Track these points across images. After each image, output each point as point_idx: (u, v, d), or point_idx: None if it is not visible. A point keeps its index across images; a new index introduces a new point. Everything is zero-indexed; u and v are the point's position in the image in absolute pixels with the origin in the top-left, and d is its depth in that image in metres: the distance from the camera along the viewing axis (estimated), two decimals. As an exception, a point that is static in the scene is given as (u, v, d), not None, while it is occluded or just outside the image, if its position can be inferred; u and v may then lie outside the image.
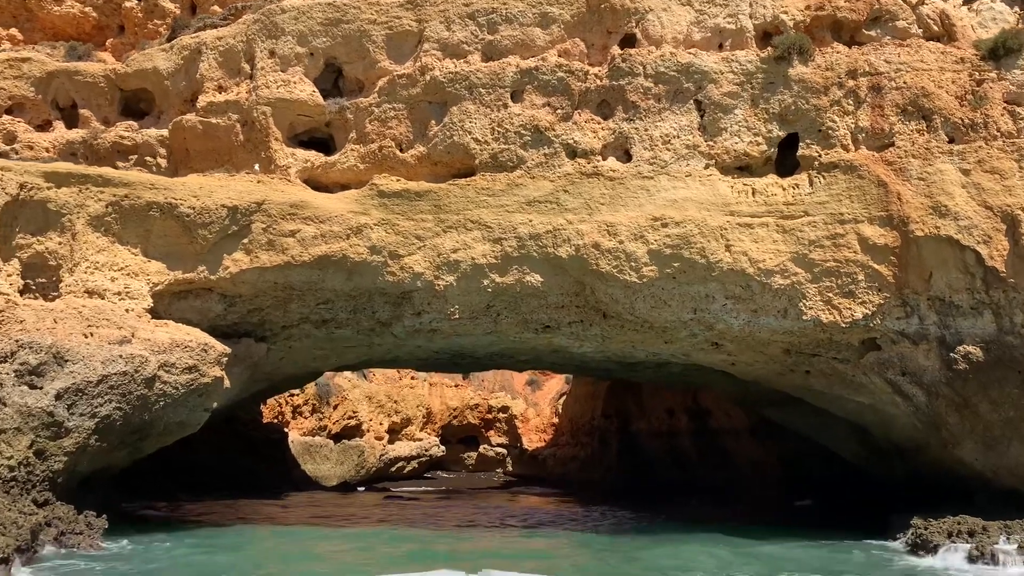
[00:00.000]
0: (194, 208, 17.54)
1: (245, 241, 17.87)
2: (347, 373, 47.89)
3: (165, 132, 20.73)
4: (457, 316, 18.40)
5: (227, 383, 18.49)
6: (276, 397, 43.49)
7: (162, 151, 20.91)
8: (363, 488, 40.70)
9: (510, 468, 52.21)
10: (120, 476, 30.47)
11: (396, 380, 49.64)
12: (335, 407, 46.25)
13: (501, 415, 52.20)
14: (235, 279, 17.99)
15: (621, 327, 18.33)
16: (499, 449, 52.46)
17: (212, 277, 17.91)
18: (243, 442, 39.43)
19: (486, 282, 17.88)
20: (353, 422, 46.42)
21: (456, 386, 52.83)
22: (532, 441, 51.17)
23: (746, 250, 17.06)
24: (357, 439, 46.34)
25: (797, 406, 22.94)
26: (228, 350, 17.55)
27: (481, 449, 52.87)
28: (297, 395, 44.70)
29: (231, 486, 36.42)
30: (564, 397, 50.12)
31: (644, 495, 39.30)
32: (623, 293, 17.50)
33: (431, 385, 51.71)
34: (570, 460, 46.74)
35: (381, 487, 41.56)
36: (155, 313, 17.79)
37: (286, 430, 42.73)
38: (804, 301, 17.09)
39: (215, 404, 18.09)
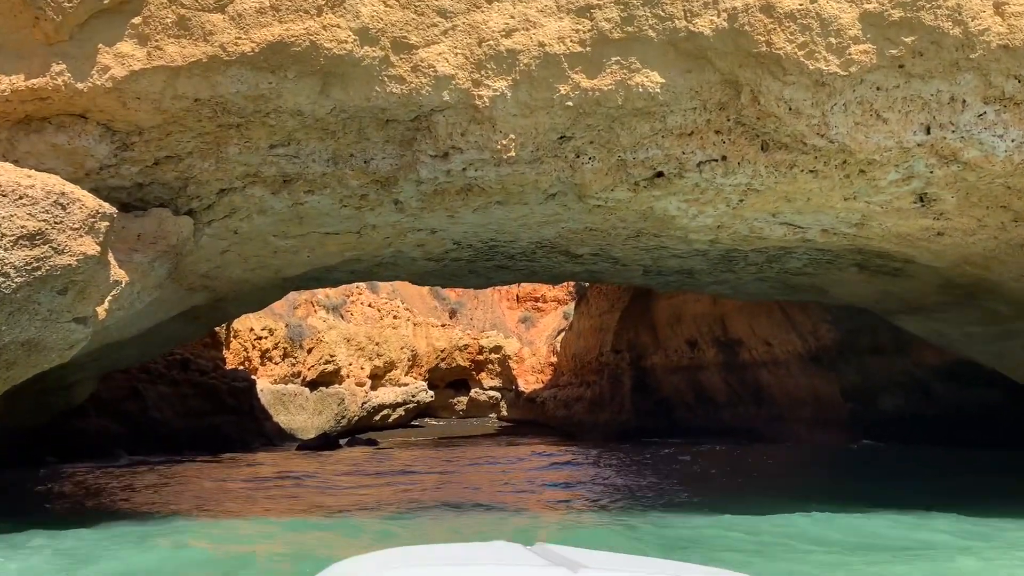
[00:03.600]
0: (35, -49, 8.91)
1: (136, 21, 9.23)
2: (321, 313, 39.44)
3: None
4: (512, 153, 10.02)
5: (123, 277, 10.03)
6: (240, 340, 34.94)
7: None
8: (345, 440, 32.47)
9: (504, 413, 44.28)
10: (50, 430, 22.45)
11: (377, 320, 41.28)
12: (309, 351, 37.89)
13: (493, 356, 44.09)
14: (124, 92, 9.41)
15: (790, 168, 10.09)
16: (492, 392, 44.41)
17: (80, 87, 9.32)
18: (203, 391, 31.05)
19: (564, 89, 9.51)
20: (330, 367, 38.11)
21: (443, 326, 44.59)
22: (528, 383, 43.19)
23: (1031, 11, 8.90)
24: (336, 386, 38.08)
25: (962, 310, 15.12)
26: (108, 208, 9.02)
27: (472, 393, 44.78)
28: (265, 338, 36.24)
29: (191, 442, 28.24)
30: (562, 334, 42.17)
31: (670, 439, 31.62)
32: (810, 97, 9.25)
33: (415, 325, 43.42)
34: (574, 402, 38.86)
35: (365, 438, 33.36)
36: (-20, 153, 9.26)
37: (254, 378, 34.34)
38: None
39: (100, 312, 9.62)
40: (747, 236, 12.57)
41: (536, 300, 47.67)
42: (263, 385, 34.49)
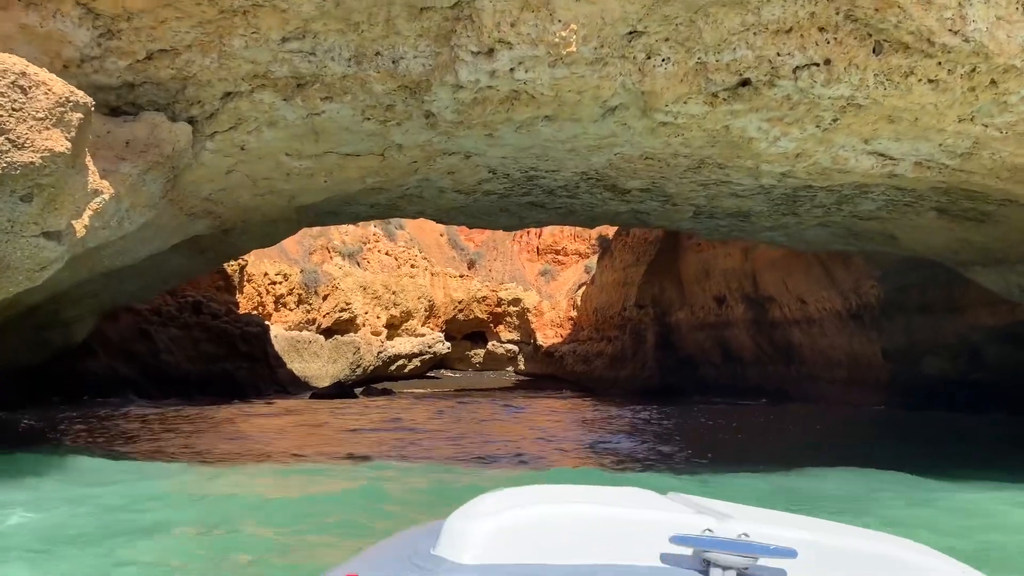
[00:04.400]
0: None
1: None
2: (337, 259, 37.87)
3: None
4: (572, 49, 8.22)
5: (107, 188, 8.34)
6: (254, 285, 33.38)
7: None
8: (361, 390, 31.08)
9: (521, 366, 42.80)
10: (55, 371, 21.15)
11: (394, 268, 39.68)
12: (324, 298, 36.35)
13: (512, 308, 42.47)
14: (105, -39, 7.67)
15: (906, 76, 8.22)
16: (509, 346, 42.90)
17: (52, -48, 7.58)
18: (215, 335, 29.60)
19: (639, -31, 7.69)
20: (346, 315, 36.59)
21: (461, 276, 42.96)
22: (547, 337, 41.61)
23: None
24: (351, 334, 36.58)
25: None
26: (82, 97, 7.29)
27: (489, 346, 43.28)
28: (280, 283, 34.71)
29: (202, 387, 26.87)
30: (583, 287, 40.48)
31: (695, 396, 30.06)
32: (945, -19, 7.41)
33: (433, 275, 41.81)
34: (595, 357, 37.29)
35: (381, 388, 31.96)
36: (-68, 30, 7.54)
37: (268, 323, 32.86)
38: None
39: (77, 228, 7.97)
40: (826, 168, 10.75)
41: (557, 253, 45.95)
42: (277, 331, 33.06)
